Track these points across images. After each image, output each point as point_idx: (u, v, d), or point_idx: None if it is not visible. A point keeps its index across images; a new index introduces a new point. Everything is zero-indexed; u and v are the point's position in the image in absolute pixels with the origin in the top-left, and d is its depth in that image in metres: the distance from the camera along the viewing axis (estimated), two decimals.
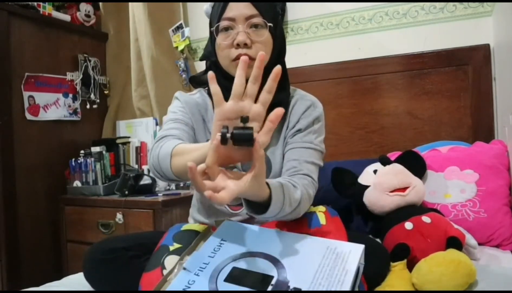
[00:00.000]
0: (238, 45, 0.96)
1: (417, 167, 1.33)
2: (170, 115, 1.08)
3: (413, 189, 1.24)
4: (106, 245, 0.98)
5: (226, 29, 0.98)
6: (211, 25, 1.04)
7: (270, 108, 0.83)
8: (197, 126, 1.09)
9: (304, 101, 1.10)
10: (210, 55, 1.07)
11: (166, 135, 0.99)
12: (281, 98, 1.02)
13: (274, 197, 0.78)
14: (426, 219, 1.09)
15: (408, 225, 1.07)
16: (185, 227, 1.01)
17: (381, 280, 0.93)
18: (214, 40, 1.02)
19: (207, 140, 1.02)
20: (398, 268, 0.94)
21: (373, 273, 0.86)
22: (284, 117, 1.06)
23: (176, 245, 0.93)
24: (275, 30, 1.01)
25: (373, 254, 0.88)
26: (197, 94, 1.15)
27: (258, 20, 0.97)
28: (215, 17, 1.01)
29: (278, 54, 1.04)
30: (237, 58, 0.95)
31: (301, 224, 0.94)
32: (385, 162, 1.36)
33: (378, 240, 1.15)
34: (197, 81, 1.17)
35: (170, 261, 0.89)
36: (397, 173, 1.27)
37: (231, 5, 0.97)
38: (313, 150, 1.03)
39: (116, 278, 0.93)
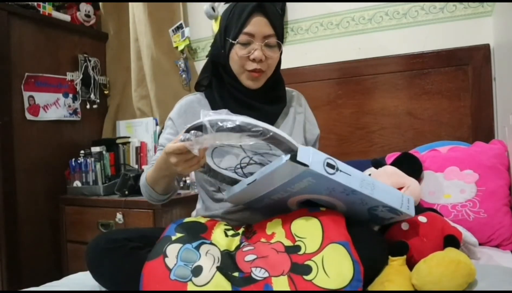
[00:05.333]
0: (253, 59, 1.06)
1: (413, 168, 1.33)
2: (160, 141, 1.20)
3: (407, 189, 1.24)
4: (110, 235, 0.99)
5: (245, 43, 1.06)
6: (227, 32, 1.09)
7: (271, 103, 1.14)
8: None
9: (298, 96, 1.26)
10: (220, 57, 1.13)
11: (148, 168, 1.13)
12: (280, 94, 1.18)
13: None
14: (422, 218, 1.09)
15: (404, 226, 1.07)
16: (187, 219, 1.04)
17: (379, 267, 0.93)
18: (227, 45, 1.09)
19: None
20: (397, 263, 0.94)
21: (369, 258, 0.87)
22: (285, 109, 1.20)
23: (179, 235, 0.96)
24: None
25: (369, 239, 0.92)
26: (193, 95, 1.24)
27: (274, 41, 1.08)
28: (234, 26, 1.07)
29: (278, 65, 1.16)
30: (251, 71, 1.07)
31: (300, 210, 0.98)
32: (378, 164, 1.36)
33: None
34: (200, 85, 1.23)
35: (172, 249, 0.91)
36: (390, 175, 1.28)
37: (253, 21, 1.05)
38: None
39: (118, 268, 0.94)
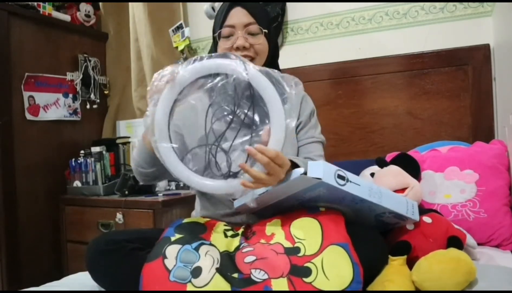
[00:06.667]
0: (238, 48, 1.10)
1: (411, 170, 1.33)
2: None
3: (411, 189, 1.24)
4: (109, 237, 0.99)
5: (227, 35, 1.13)
6: (214, 31, 1.17)
7: None
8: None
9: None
10: None
11: None
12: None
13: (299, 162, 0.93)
14: (427, 219, 1.09)
15: (410, 225, 1.07)
16: (186, 220, 1.04)
17: (379, 267, 0.93)
18: (216, 44, 1.16)
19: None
20: (397, 263, 0.94)
21: (368, 257, 0.87)
22: None
23: (178, 236, 0.95)
24: (269, 35, 1.16)
25: (369, 239, 0.93)
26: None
27: (255, 27, 1.12)
28: (217, 25, 1.15)
29: (272, 55, 1.19)
30: None
31: (300, 211, 0.98)
32: (382, 163, 1.36)
33: None
34: None
35: (171, 250, 0.91)
36: (396, 175, 1.27)
37: (231, 14, 1.12)
38: (318, 143, 1.18)
39: (117, 269, 0.94)
